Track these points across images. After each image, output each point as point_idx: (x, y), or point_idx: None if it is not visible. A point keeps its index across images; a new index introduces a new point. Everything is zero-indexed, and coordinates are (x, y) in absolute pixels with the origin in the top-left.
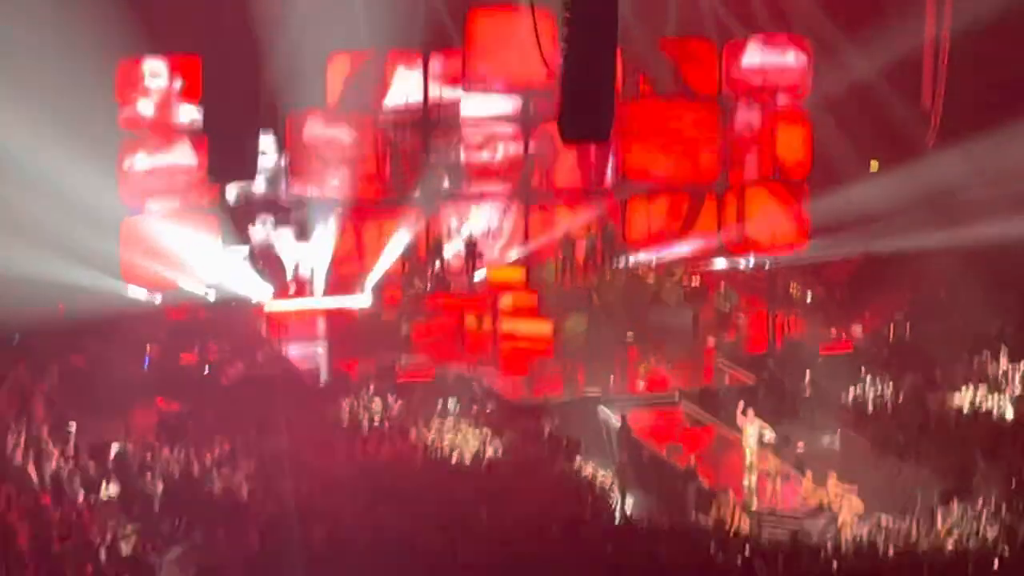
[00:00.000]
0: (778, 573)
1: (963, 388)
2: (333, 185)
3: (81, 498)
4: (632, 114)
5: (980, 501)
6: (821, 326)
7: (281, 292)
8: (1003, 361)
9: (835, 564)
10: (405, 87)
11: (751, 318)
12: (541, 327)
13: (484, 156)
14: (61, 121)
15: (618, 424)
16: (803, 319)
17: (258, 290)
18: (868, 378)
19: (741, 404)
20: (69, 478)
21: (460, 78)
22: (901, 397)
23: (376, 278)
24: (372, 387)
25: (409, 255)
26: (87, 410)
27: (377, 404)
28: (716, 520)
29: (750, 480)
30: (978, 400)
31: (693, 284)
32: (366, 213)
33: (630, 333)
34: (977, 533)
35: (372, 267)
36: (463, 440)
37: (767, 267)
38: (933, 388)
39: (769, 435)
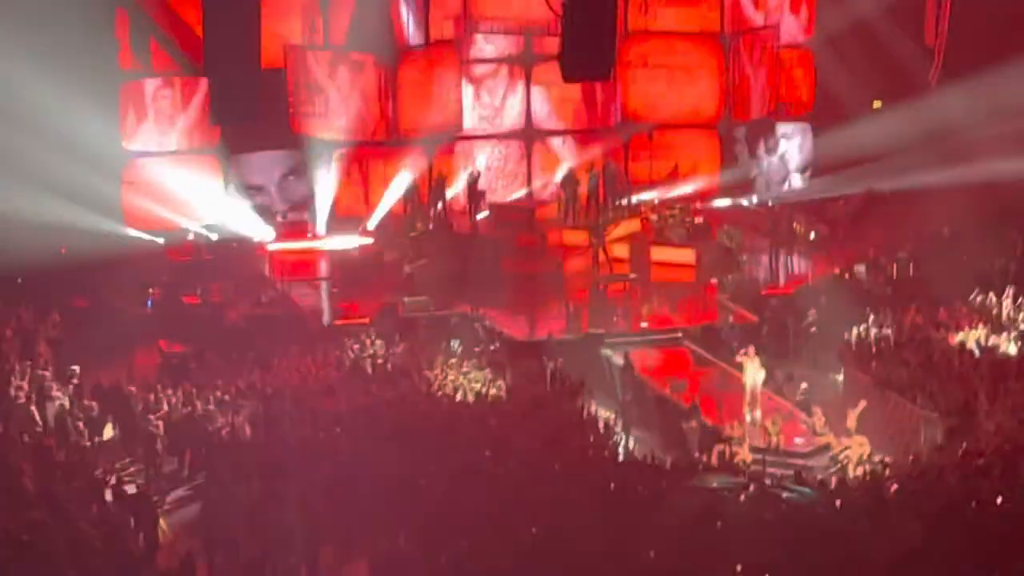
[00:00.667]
0: (781, 511)
1: (966, 326)
2: (335, 125)
3: (85, 439)
4: (634, 53)
5: (983, 438)
6: (824, 264)
7: (283, 233)
8: (1006, 299)
9: (839, 502)
10: (408, 26)
11: (754, 256)
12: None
13: (486, 95)
14: (62, 63)
15: (621, 363)
16: (807, 257)
17: (260, 231)
18: (871, 316)
19: (737, 344)
20: (72, 419)
21: (463, 16)
22: (904, 335)
23: (378, 218)
24: (375, 328)
25: (411, 195)
26: (90, 352)
27: (380, 345)
28: (719, 458)
29: (752, 417)
30: (981, 338)
31: (696, 223)
32: (368, 153)
33: (633, 274)
34: (980, 470)
35: (374, 207)
36: (467, 380)
37: (770, 205)
38: (936, 326)
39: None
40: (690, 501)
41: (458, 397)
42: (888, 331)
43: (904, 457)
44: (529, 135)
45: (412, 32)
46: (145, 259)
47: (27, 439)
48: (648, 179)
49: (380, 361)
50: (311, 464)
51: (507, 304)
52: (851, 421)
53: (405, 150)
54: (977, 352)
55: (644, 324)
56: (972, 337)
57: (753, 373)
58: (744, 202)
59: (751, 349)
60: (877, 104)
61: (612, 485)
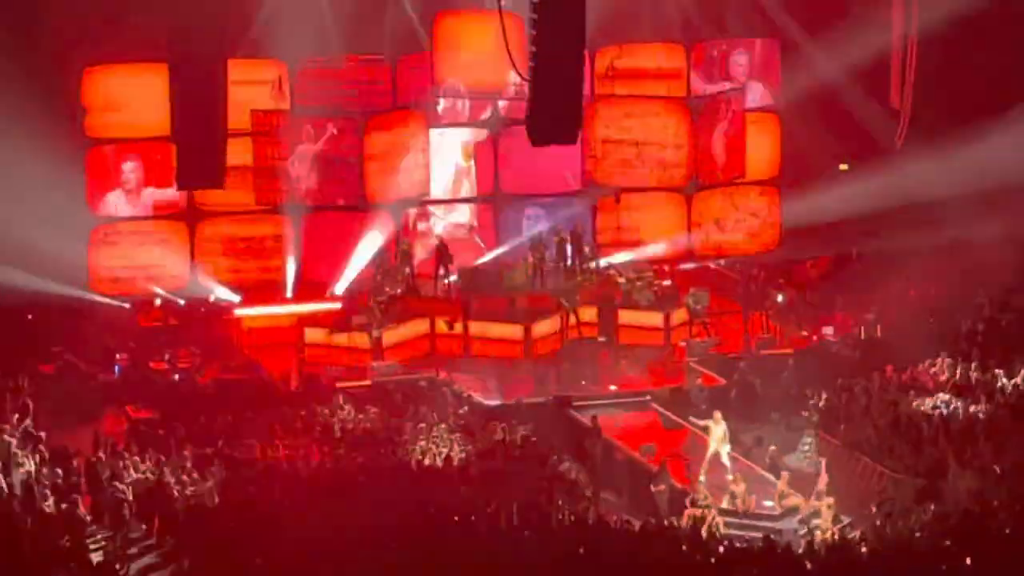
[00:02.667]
0: (751, 574)
1: (935, 388)
2: (303, 189)
3: (51, 507)
4: (601, 116)
5: (952, 500)
6: (793, 327)
7: (251, 297)
8: (973, 360)
9: (808, 565)
10: (377, 91)
11: (722, 319)
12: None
13: (453, 159)
14: (27, 128)
15: (590, 426)
16: (775, 320)
17: (228, 295)
18: (839, 378)
19: (706, 407)
20: (40, 487)
21: (429, 82)
22: (873, 397)
23: (346, 283)
24: (343, 392)
25: (379, 260)
26: (57, 418)
27: (349, 409)
28: (688, 521)
29: (706, 479)
30: (950, 400)
31: (664, 285)
32: (336, 218)
33: (602, 337)
34: (949, 532)
35: (342, 272)
36: (435, 445)
37: (738, 268)
38: (905, 388)
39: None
40: (660, 564)
41: (427, 462)
42: (856, 393)
43: (874, 519)
44: (497, 199)
45: (379, 96)
46: (112, 324)
47: None
48: (616, 242)
49: (349, 426)
50: (279, 530)
51: (476, 368)
52: (820, 485)
53: (373, 214)
54: (946, 413)
55: (613, 387)
56: (940, 399)
57: (718, 437)
58: (712, 265)
59: (717, 413)
60: (844, 167)
61: (582, 549)
